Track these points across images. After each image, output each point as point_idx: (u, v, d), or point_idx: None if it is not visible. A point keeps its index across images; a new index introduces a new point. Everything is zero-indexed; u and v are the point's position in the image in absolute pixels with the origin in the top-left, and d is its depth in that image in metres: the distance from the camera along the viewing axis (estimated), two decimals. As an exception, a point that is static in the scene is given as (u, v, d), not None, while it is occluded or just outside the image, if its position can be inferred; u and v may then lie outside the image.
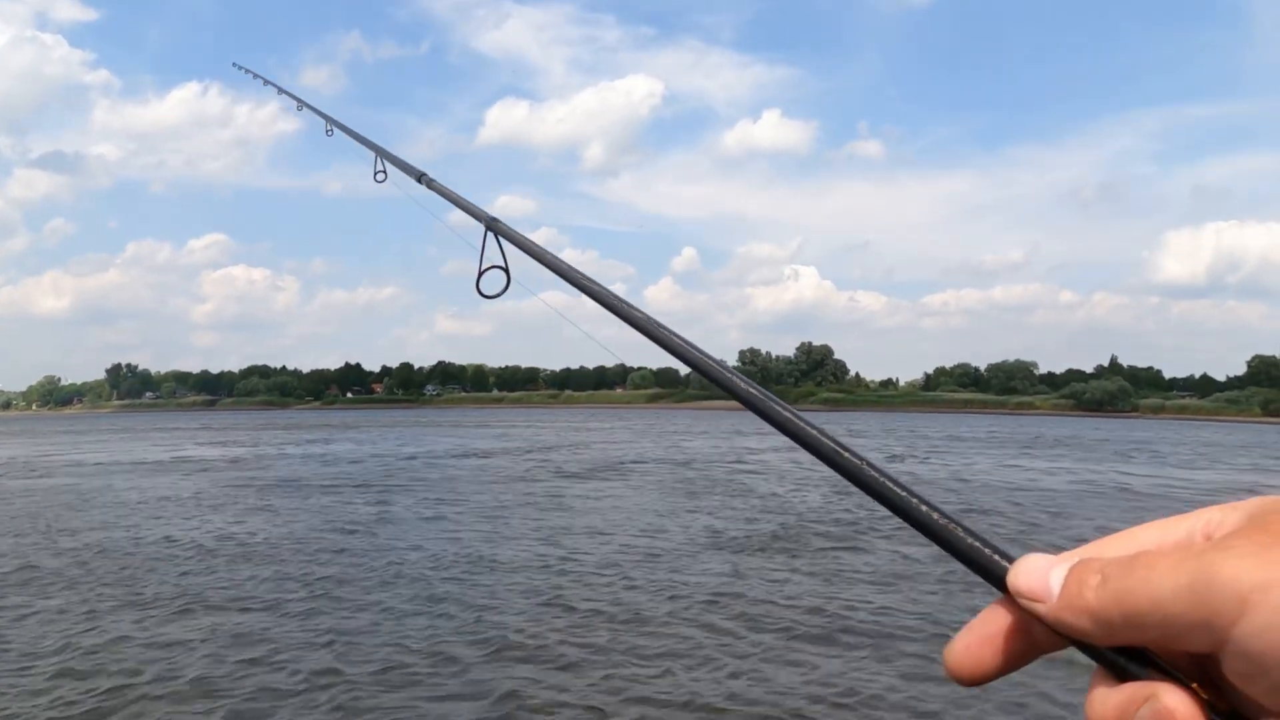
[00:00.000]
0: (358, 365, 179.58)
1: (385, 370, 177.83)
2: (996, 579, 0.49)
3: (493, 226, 1.40)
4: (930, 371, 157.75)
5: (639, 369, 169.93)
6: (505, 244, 1.40)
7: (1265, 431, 77.11)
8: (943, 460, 32.16)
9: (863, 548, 12.85)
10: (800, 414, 0.66)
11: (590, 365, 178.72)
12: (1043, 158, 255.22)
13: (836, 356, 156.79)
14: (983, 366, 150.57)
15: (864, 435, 52.15)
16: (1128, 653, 0.44)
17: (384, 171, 2.36)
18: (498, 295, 1.41)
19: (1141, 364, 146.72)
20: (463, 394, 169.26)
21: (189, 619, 8.65)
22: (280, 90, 3.90)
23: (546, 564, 11.52)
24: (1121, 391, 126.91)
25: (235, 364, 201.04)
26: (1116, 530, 0.48)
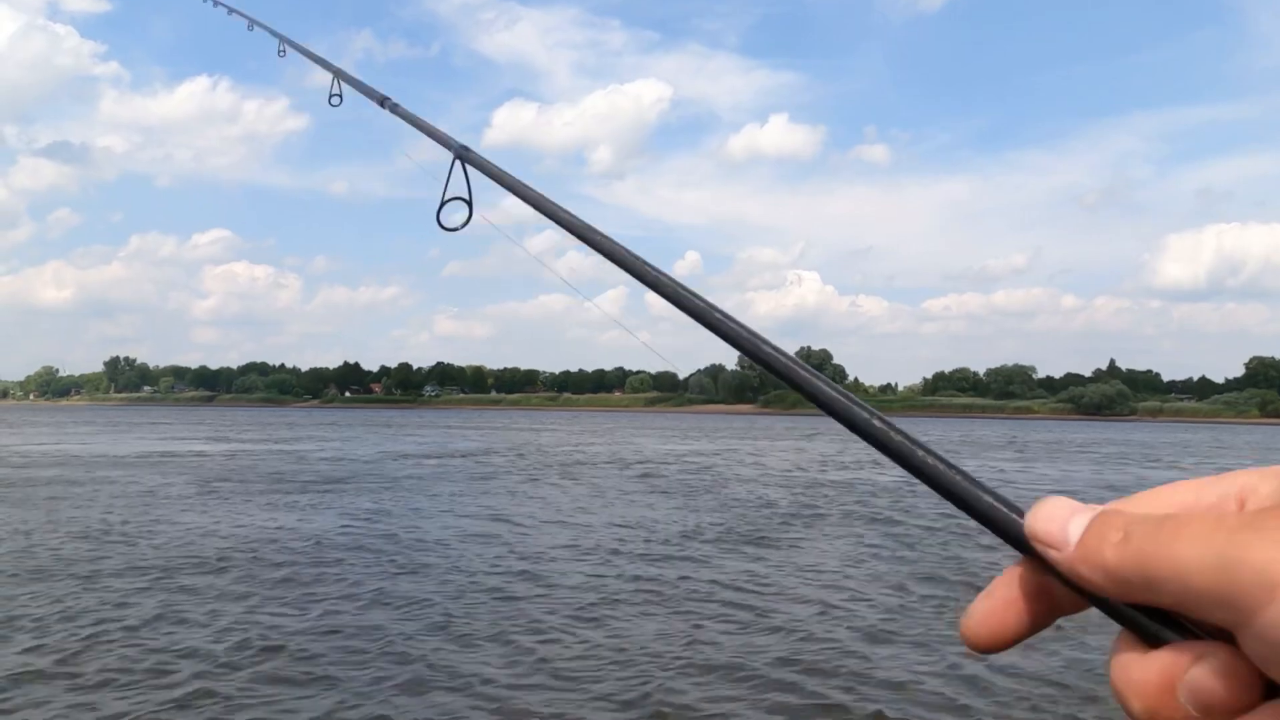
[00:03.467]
0: (356, 365, 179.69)
1: (384, 370, 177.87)
2: (1014, 538, 0.46)
3: (463, 155, 1.34)
4: (929, 376, 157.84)
5: (638, 373, 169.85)
6: (475, 176, 1.34)
7: (1256, 431, 77.18)
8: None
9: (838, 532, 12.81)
10: (796, 360, 0.62)
11: (589, 368, 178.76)
12: (1044, 162, 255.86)
13: (836, 361, 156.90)
14: (982, 371, 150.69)
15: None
16: (1153, 613, 0.41)
17: (339, 95, 2.20)
18: (459, 229, 1.36)
19: (1141, 367, 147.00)
20: (461, 395, 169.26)
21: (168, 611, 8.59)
22: (231, 10, 3.72)
23: (530, 559, 11.47)
24: (1120, 395, 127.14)
25: (235, 360, 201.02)
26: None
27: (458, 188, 1.34)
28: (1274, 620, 0.35)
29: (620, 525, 14.46)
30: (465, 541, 12.66)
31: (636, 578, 10.30)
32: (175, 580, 9.77)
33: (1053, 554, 0.43)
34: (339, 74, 2.21)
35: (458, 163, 1.33)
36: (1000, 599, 0.46)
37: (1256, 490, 0.42)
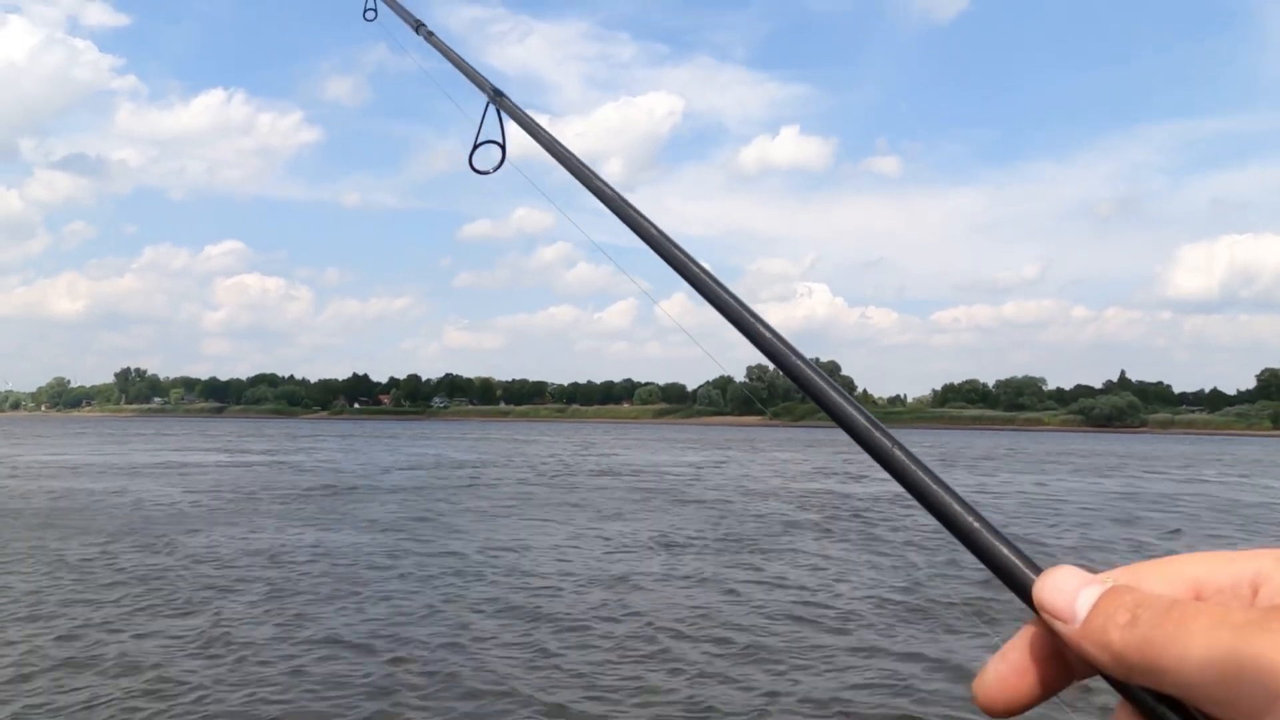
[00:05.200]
0: (365, 376, 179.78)
1: (393, 381, 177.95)
2: (1027, 596, 0.45)
3: (497, 99, 1.37)
4: (939, 388, 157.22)
5: (646, 384, 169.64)
6: (507, 121, 1.37)
7: (1269, 444, 76.65)
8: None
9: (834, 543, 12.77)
10: (830, 381, 0.61)
11: (598, 380, 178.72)
12: (1056, 173, 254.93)
13: (845, 373, 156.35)
14: (991, 383, 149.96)
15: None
16: (1159, 695, 0.40)
17: (374, 10, 2.14)
18: (490, 172, 1.40)
19: (1152, 379, 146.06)
20: (470, 406, 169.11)
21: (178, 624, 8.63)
22: None
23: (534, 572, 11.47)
24: (1130, 407, 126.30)
25: (244, 372, 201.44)
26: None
27: (490, 132, 1.38)
28: None
29: (633, 536, 14.47)
30: (478, 552, 12.69)
31: (639, 585, 10.31)
32: (214, 594, 9.84)
33: (1060, 626, 0.42)
34: None
35: (491, 107, 1.36)
36: (1013, 662, 0.44)
37: (1270, 579, 0.40)
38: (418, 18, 1.81)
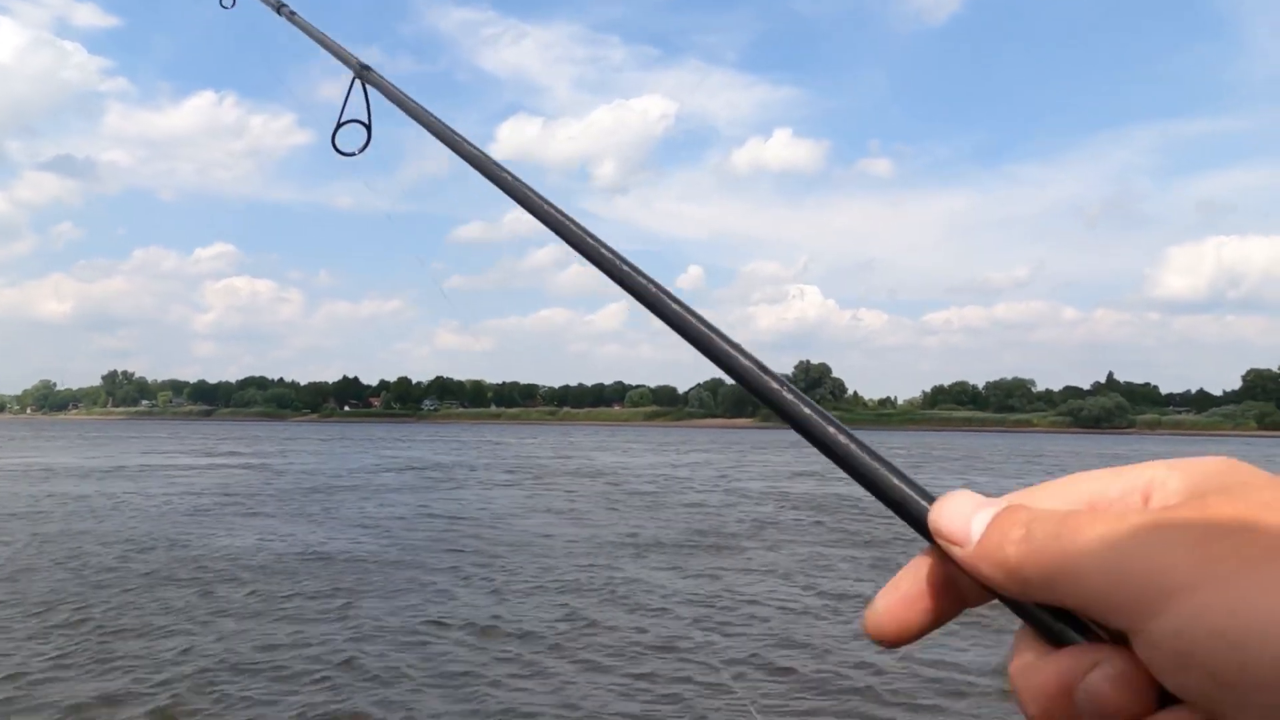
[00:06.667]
0: (355, 379, 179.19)
1: (383, 384, 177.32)
2: (922, 526, 0.44)
3: (364, 75, 1.25)
4: (928, 390, 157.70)
5: (637, 387, 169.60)
6: (375, 99, 1.26)
7: (1254, 444, 77.07)
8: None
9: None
10: (714, 329, 0.55)
11: (589, 382, 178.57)
12: (1046, 175, 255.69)
13: (836, 375, 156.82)
14: (981, 384, 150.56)
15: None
16: (1057, 612, 0.39)
17: None
18: (356, 154, 1.28)
19: (1140, 379, 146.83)
20: (460, 409, 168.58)
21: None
22: None
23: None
24: (1118, 408, 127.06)
25: (234, 374, 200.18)
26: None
27: (357, 111, 1.26)
28: (1163, 630, 0.34)
29: (609, 537, 14.40)
30: (454, 553, 12.60)
31: (628, 583, 10.23)
32: (213, 590, 9.71)
33: (955, 550, 0.41)
34: None
35: (358, 82, 1.25)
36: (905, 592, 0.44)
37: (1164, 485, 0.40)
38: None
